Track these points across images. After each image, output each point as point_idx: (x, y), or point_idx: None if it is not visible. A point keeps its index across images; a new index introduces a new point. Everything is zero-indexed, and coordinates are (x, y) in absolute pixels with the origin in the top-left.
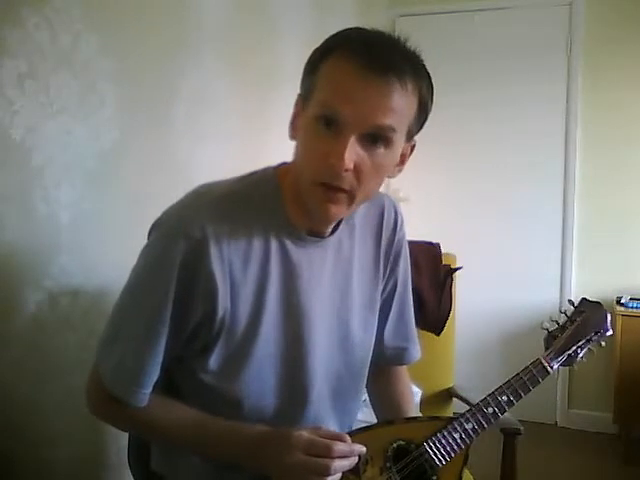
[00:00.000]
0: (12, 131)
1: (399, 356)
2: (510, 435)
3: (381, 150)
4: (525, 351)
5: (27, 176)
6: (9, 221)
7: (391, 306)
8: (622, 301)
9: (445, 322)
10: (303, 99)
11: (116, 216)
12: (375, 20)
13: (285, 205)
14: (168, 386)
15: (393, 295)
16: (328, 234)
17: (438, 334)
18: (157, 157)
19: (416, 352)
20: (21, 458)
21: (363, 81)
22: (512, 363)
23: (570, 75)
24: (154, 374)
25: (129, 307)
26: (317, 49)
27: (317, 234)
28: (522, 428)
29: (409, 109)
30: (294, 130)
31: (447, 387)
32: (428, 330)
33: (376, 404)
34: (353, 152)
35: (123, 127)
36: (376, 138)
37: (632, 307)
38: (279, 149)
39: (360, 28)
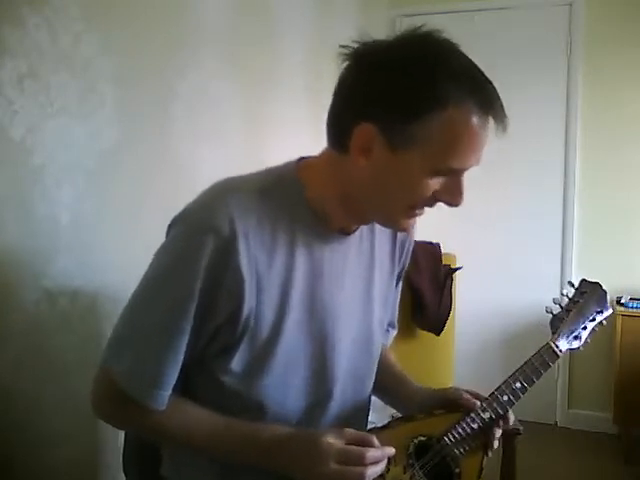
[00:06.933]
0: (12, 131)
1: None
2: (510, 435)
3: None
4: (525, 351)
5: (27, 176)
6: (9, 221)
7: (388, 297)
8: (622, 301)
9: (445, 322)
10: (393, 140)
11: (116, 216)
12: (375, 20)
13: (308, 201)
14: (183, 388)
15: (394, 289)
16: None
17: (438, 334)
18: (157, 157)
19: (393, 333)
20: (21, 458)
21: (486, 132)
22: (512, 363)
23: (570, 75)
24: (174, 375)
25: (149, 304)
26: (413, 87)
27: (345, 231)
28: (522, 428)
29: None
30: (365, 156)
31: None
32: (428, 330)
33: (377, 382)
34: None
35: (123, 127)
36: None
37: (632, 307)
38: (279, 149)
39: (453, 52)
